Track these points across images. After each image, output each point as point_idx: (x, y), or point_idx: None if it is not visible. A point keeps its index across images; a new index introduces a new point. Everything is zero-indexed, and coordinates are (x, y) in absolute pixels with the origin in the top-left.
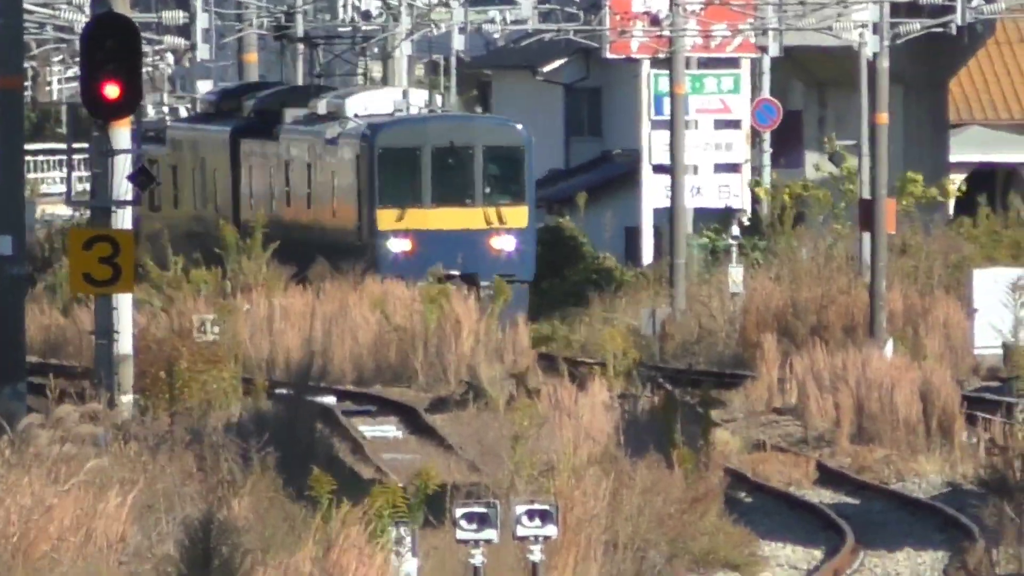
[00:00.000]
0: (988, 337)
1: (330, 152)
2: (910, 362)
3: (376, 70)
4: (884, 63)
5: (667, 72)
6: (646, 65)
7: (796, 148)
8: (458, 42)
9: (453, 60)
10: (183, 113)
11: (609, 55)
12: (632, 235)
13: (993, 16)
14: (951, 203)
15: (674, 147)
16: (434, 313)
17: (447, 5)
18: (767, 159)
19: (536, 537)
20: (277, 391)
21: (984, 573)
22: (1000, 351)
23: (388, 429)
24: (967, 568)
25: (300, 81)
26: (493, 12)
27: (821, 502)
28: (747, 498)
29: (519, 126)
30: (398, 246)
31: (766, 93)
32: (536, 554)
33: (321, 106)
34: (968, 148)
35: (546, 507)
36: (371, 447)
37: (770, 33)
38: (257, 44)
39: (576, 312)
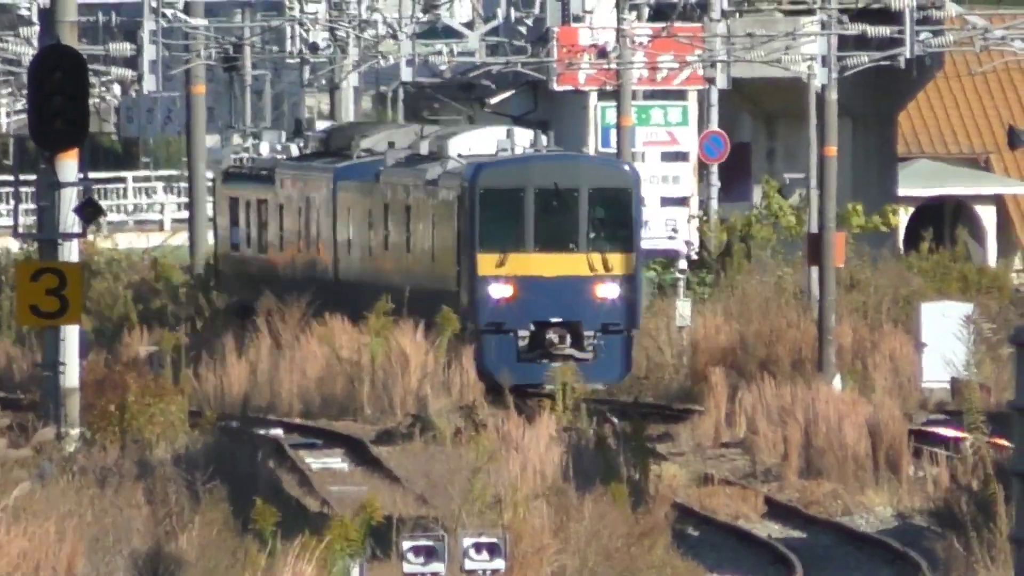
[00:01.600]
0: (936, 371)
1: (430, 194)
2: (858, 396)
3: (324, 102)
4: (833, 96)
5: (614, 104)
6: (593, 97)
7: (744, 181)
8: (405, 73)
9: (400, 92)
10: (294, 152)
11: (557, 87)
12: None
13: (941, 49)
14: (900, 237)
15: None
16: (380, 346)
17: (395, 37)
18: (714, 192)
19: (484, 571)
20: (225, 424)
21: None
22: (948, 385)
23: (334, 461)
24: None
25: (248, 118)
26: (440, 45)
27: (769, 536)
28: (695, 532)
29: (626, 167)
30: (498, 292)
31: (714, 125)
32: None
33: (423, 146)
34: (916, 181)
35: (494, 540)
36: (317, 479)
37: (718, 65)
38: (205, 76)
39: None
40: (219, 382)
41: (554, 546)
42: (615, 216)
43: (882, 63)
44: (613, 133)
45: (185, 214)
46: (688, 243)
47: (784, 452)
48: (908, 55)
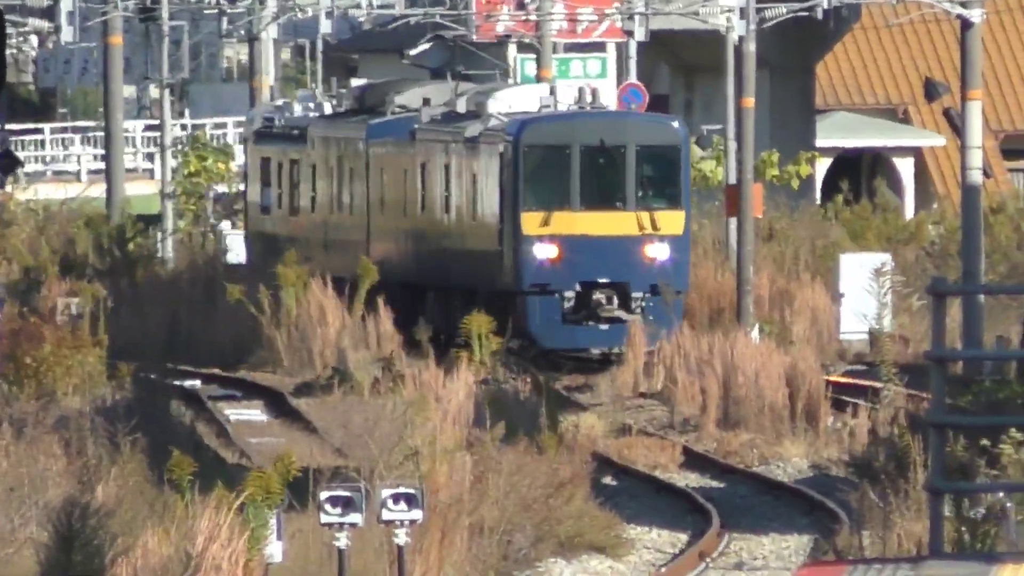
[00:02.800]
0: (854, 322)
1: (470, 152)
2: (776, 347)
3: (242, 53)
4: (751, 47)
5: (534, 56)
6: (513, 49)
7: None
8: (325, 26)
9: (319, 44)
10: (327, 110)
11: (476, 38)
12: None
13: (858, 1)
14: (818, 188)
15: None
16: (293, 297)
17: None
18: None
19: (401, 521)
20: (144, 375)
21: (851, 556)
22: (866, 336)
23: (253, 413)
24: (835, 551)
25: (165, 69)
26: None
27: (687, 486)
28: (613, 482)
29: (675, 123)
30: (543, 252)
31: (633, 78)
32: (401, 537)
33: (461, 103)
34: (834, 133)
35: (411, 491)
36: (236, 431)
37: (636, 18)
38: (122, 26)
39: None
40: (139, 334)
41: (472, 497)
42: (664, 173)
43: (800, 14)
44: None
45: (102, 165)
46: None
47: (702, 403)
48: (825, 6)
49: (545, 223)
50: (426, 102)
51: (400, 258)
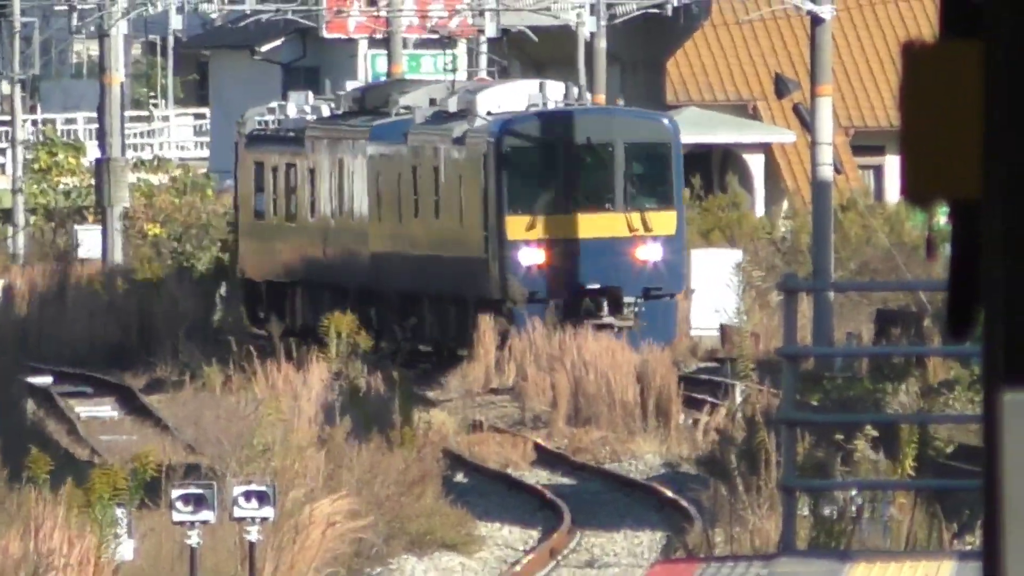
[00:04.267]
0: (706, 318)
1: (457, 152)
2: (627, 343)
3: (92, 49)
4: (601, 43)
5: (384, 52)
6: (363, 45)
7: None
8: (175, 22)
9: (171, 40)
10: (325, 112)
11: (326, 35)
12: None
13: None
14: None
15: None
16: (150, 295)
17: None
18: None
19: (253, 518)
20: None
21: (703, 554)
22: (717, 332)
23: (104, 410)
24: (687, 548)
25: (16, 64)
26: None
27: (538, 483)
28: (465, 479)
29: (666, 120)
30: (529, 258)
31: (484, 73)
32: (253, 534)
33: (452, 103)
34: (685, 129)
35: (263, 488)
36: (86, 428)
37: (487, 13)
38: None
39: None
40: None
41: (324, 493)
42: (654, 172)
43: (650, 11)
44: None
45: None
46: None
47: (553, 399)
48: (675, 3)
49: (531, 227)
50: (432, 102)
51: (397, 265)
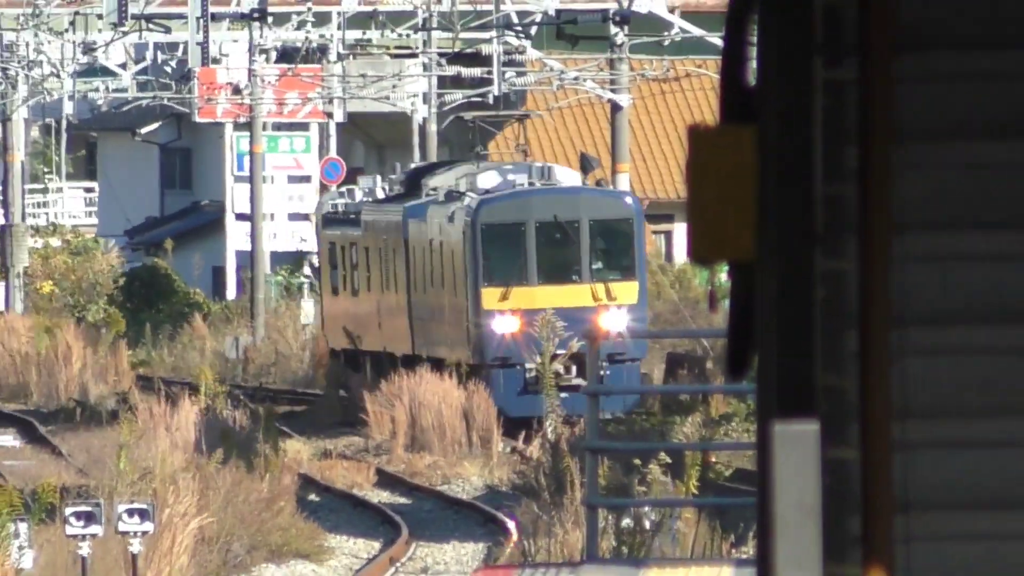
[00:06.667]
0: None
1: (450, 230)
2: (458, 384)
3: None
4: (432, 127)
5: (247, 134)
6: (229, 128)
7: None
8: (68, 107)
9: (64, 123)
10: (380, 195)
11: (198, 119)
12: (219, 274)
13: (524, 88)
14: None
15: (254, 198)
16: (44, 341)
17: (58, 76)
18: None
19: (136, 532)
20: None
21: (519, 561)
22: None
23: (7, 439)
24: (506, 557)
25: None
26: (98, 82)
27: (380, 501)
28: (316, 498)
29: (628, 199)
30: (504, 326)
31: (333, 152)
32: (136, 546)
33: (463, 183)
34: None
35: (144, 506)
36: None
37: (335, 101)
38: None
39: (175, 337)
40: None
41: (196, 511)
42: (617, 246)
43: (474, 99)
44: (247, 159)
45: None
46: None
47: (392, 431)
48: (496, 92)
49: (504, 298)
50: (458, 183)
51: (428, 333)
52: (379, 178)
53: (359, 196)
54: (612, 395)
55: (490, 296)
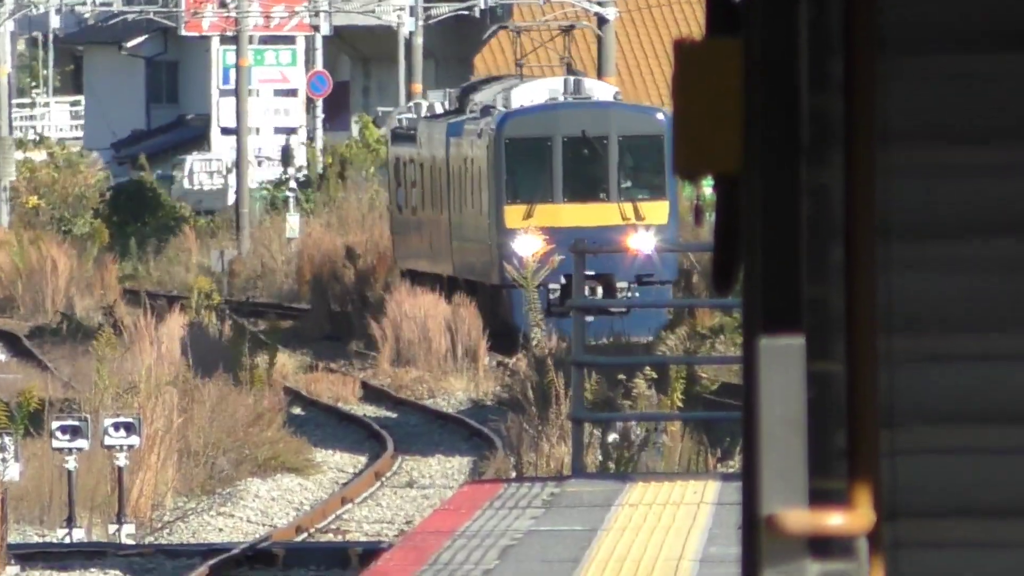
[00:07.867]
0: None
1: (480, 146)
2: (440, 297)
3: None
4: (419, 41)
5: (234, 47)
6: (216, 41)
7: (344, 114)
8: (54, 21)
9: (51, 37)
10: (438, 109)
11: (184, 32)
12: None
13: (510, 2)
14: None
15: (239, 112)
16: (28, 254)
17: None
18: (319, 123)
19: (122, 446)
20: None
21: (505, 476)
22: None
23: None
24: (493, 471)
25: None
26: None
27: (365, 415)
28: (303, 412)
29: (659, 115)
30: (527, 246)
31: (319, 66)
32: (121, 460)
33: (499, 100)
34: None
35: (130, 420)
36: None
37: (322, 14)
38: None
39: (160, 251)
40: None
41: (182, 425)
42: (647, 164)
43: (461, 12)
44: (233, 73)
45: None
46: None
47: (378, 344)
48: (482, 6)
49: (528, 216)
50: (495, 99)
51: (463, 254)
52: (444, 93)
53: (424, 111)
54: (637, 320)
55: (513, 214)
